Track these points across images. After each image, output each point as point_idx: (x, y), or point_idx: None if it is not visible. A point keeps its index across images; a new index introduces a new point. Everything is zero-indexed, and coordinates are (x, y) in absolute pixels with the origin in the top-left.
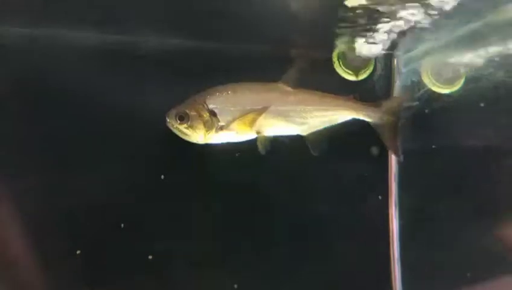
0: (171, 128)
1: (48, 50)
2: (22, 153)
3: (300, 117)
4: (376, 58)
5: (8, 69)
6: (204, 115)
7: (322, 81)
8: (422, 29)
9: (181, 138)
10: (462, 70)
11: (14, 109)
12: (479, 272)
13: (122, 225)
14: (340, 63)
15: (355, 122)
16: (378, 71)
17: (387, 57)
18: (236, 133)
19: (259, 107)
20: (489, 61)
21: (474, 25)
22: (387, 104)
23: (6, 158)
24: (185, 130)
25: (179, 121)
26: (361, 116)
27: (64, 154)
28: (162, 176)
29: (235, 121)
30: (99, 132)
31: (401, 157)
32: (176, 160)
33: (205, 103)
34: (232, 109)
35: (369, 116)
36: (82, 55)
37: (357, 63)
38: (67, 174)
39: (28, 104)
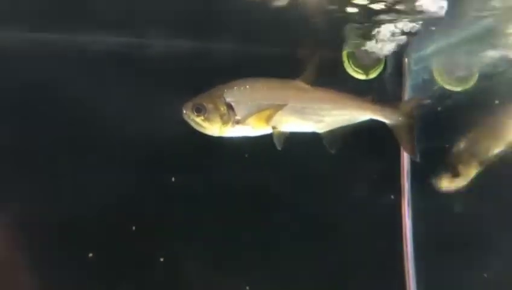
0: (187, 119)
1: (54, 54)
2: (29, 156)
3: (317, 115)
4: (386, 57)
5: (13, 73)
6: (222, 108)
7: (331, 81)
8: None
9: (192, 139)
10: (475, 67)
11: (21, 113)
12: (495, 272)
13: (133, 228)
14: (350, 62)
15: (367, 120)
16: (389, 70)
17: (398, 55)
18: (252, 128)
19: (277, 103)
20: (503, 58)
21: (487, 22)
22: (405, 105)
23: (15, 160)
24: (201, 122)
25: (195, 113)
26: (379, 117)
27: (74, 157)
28: (173, 178)
29: (252, 116)
30: (108, 134)
31: (418, 158)
32: (185, 161)
33: (223, 96)
34: (249, 103)
35: (386, 117)
36: (88, 58)
37: (367, 62)
38: (78, 177)
39: (36, 107)
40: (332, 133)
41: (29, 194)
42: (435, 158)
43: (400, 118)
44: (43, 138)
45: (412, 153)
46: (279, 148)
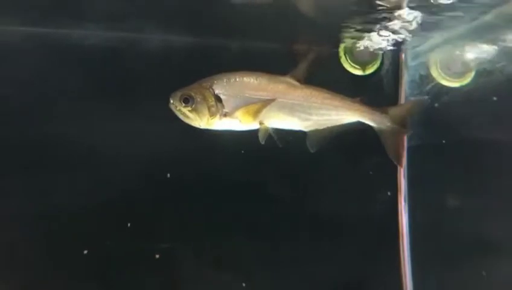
0: (174, 110)
1: (49, 49)
2: (27, 152)
3: (305, 113)
4: (383, 52)
5: (9, 68)
6: (210, 100)
7: (328, 76)
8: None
9: (187, 136)
10: (472, 63)
11: (19, 109)
12: (493, 269)
13: (129, 224)
14: (347, 57)
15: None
16: (386, 65)
17: (395, 51)
18: (240, 122)
19: (266, 98)
20: (502, 54)
21: (485, 17)
22: (395, 111)
23: (11, 156)
24: (188, 113)
25: (183, 104)
26: (366, 120)
27: (70, 154)
28: (168, 175)
29: (240, 109)
30: (104, 130)
31: (404, 166)
32: (181, 158)
33: (211, 87)
34: (238, 96)
35: (374, 121)
36: (84, 53)
37: (364, 58)
38: (74, 174)
39: (31, 103)
40: (317, 134)
41: (25, 191)
42: (432, 155)
43: (389, 124)
44: (38, 134)
45: (397, 161)
46: (262, 143)
